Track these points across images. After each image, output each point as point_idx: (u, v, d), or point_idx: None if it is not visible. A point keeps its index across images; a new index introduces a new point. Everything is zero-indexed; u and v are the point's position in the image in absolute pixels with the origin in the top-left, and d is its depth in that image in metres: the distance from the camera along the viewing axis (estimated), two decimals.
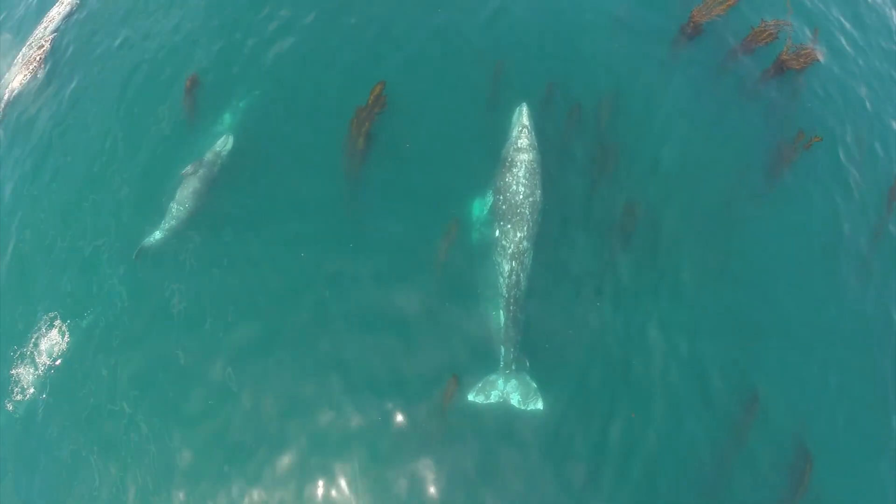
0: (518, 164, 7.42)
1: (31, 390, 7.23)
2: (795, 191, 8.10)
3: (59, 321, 7.47)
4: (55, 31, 9.81)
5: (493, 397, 6.70)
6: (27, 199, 8.35)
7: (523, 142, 7.57)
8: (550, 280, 7.32)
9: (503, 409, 6.69)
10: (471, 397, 6.70)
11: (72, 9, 10.05)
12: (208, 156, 7.99)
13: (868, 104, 8.81)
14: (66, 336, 7.37)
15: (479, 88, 8.30)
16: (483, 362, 6.84)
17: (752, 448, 6.82)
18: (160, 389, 6.97)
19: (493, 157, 7.66)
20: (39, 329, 7.46)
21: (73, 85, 9.13)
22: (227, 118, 8.34)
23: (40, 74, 9.48)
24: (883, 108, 8.77)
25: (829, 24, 9.31)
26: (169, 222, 7.70)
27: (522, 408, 6.65)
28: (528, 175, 7.36)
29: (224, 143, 8.09)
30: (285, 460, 6.54)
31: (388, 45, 8.59)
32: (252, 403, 6.77)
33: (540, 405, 6.65)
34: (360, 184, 7.71)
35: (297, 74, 8.52)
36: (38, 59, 9.55)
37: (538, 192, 7.36)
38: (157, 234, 7.64)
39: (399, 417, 6.62)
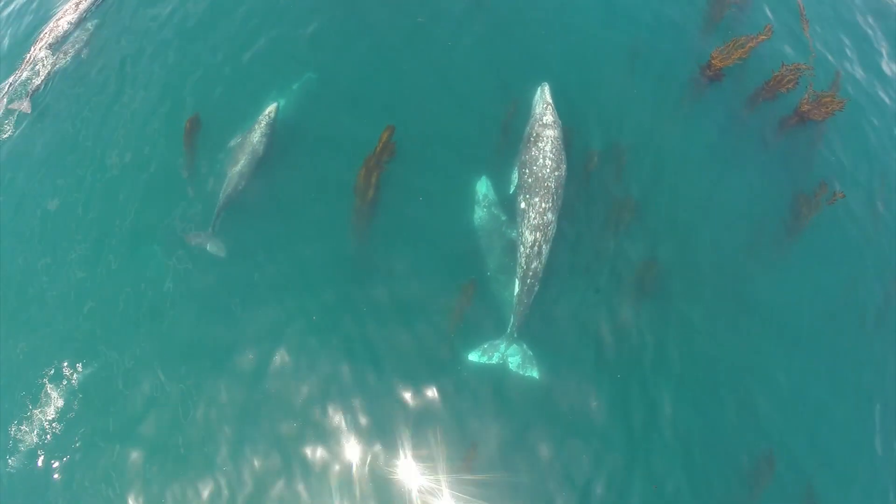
0: (544, 139, 7.49)
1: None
2: (815, 245, 7.91)
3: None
4: (89, 10, 9.61)
5: (495, 359, 6.89)
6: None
7: (548, 118, 7.67)
8: (559, 343, 7.04)
9: None
10: (472, 357, 6.87)
11: None
12: (253, 128, 7.94)
13: (891, 155, 8.52)
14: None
15: (490, 130, 8.05)
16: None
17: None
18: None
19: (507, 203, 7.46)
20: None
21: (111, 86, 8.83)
22: (280, 102, 8.25)
23: (84, 55, 9.20)
24: None
25: (851, 68, 9.02)
26: (221, 200, 7.63)
27: (520, 372, 6.83)
28: (553, 150, 7.41)
29: (269, 114, 8.03)
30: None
31: (398, 86, 8.33)
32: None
33: (535, 373, 6.82)
34: (369, 243, 7.40)
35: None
36: (83, 39, 9.28)
37: (563, 166, 7.43)
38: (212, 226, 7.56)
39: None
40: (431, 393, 6.73)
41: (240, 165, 7.78)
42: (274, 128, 7.98)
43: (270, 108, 8.05)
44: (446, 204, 7.49)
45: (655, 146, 8.07)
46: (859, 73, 9.08)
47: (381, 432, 6.58)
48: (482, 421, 6.66)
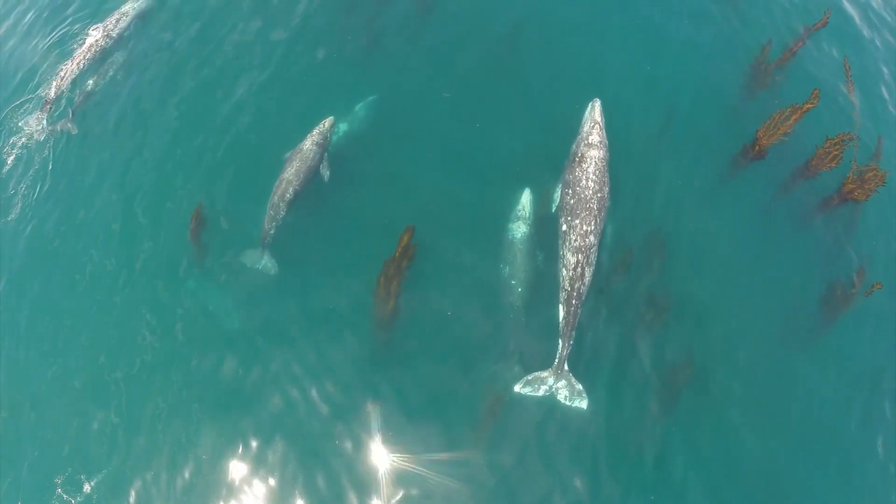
0: (588, 159, 7.48)
1: None
2: (850, 339, 7.72)
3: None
4: (129, 28, 9.54)
5: (541, 392, 6.84)
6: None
7: (594, 138, 7.64)
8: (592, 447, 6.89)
9: None
10: (517, 389, 6.83)
11: (147, 7, 9.65)
12: (306, 137, 7.98)
13: None
14: None
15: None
16: None
17: None
18: None
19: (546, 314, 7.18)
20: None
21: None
22: (342, 127, 8.35)
23: (121, 76, 9.19)
24: None
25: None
26: (271, 224, 7.63)
27: (567, 403, 6.78)
28: (597, 172, 7.41)
29: (324, 124, 8.06)
30: None
31: (422, 173, 8.14)
32: None
33: (584, 405, 6.78)
34: (392, 357, 7.23)
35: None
36: (119, 60, 9.27)
37: (606, 189, 7.43)
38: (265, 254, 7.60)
39: None
40: None
41: (288, 172, 7.73)
42: (328, 140, 8.07)
43: (326, 121, 8.12)
44: (475, 309, 7.31)
45: (693, 234, 7.93)
46: None
47: None
48: None
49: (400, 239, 7.10)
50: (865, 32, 9.91)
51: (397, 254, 7.02)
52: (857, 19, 9.96)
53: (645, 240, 7.76)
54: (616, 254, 7.63)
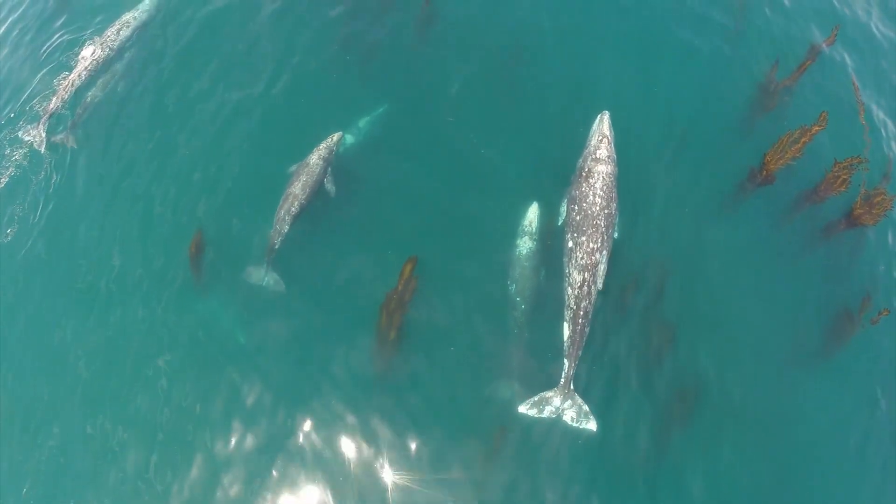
0: (595, 174, 7.29)
1: None
2: (853, 366, 7.55)
3: None
4: (131, 39, 9.36)
5: (547, 413, 6.64)
6: None
7: (602, 153, 7.42)
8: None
9: None
10: (522, 409, 6.65)
11: (149, 18, 9.45)
12: (312, 151, 7.92)
13: None
14: None
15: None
16: None
17: None
18: None
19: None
20: None
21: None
22: (348, 138, 8.25)
23: (120, 88, 9.03)
24: None
25: None
26: (276, 238, 7.54)
27: (575, 425, 6.60)
28: (605, 187, 7.21)
29: (331, 139, 7.99)
30: None
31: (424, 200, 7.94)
32: None
33: (593, 426, 6.58)
34: (395, 375, 7.10)
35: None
36: (119, 71, 9.14)
37: (614, 205, 7.23)
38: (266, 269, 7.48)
39: None
40: None
41: (295, 187, 7.67)
42: (334, 155, 7.97)
43: (334, 135, 8.05)
44: (478, 326, 7.18)
45: (694, 259, 7.75)
46: None
47: None
48: None
49: (402, 271, 6.95)
50: (872, 47, 9.75)
51: (399, 286, 6.88)
52: (863, 35, 9.80)
53: (646, 263, 7.60)
54: (615, 278, 7.42)
